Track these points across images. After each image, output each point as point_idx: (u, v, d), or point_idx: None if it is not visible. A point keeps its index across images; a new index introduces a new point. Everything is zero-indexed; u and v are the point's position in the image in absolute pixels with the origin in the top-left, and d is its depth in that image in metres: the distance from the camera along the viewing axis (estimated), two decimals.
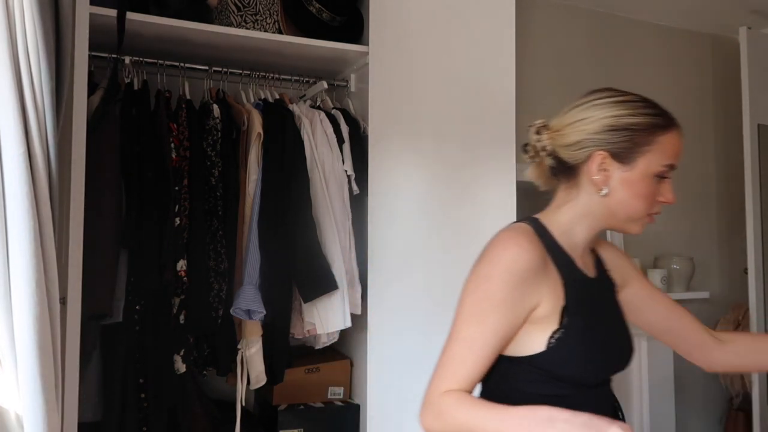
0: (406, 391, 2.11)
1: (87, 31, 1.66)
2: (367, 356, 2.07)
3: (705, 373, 3.36)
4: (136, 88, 1.97)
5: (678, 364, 3.26)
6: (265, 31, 2.14)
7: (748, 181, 3.05)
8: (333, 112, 2.17)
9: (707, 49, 3.58)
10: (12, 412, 1.12)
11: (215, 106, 2.01)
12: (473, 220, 2.24)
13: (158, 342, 1.84)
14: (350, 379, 2.23)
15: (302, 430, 2.07)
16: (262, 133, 2.00)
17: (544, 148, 1.16)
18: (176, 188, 1.87)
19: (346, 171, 2.10)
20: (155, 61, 2.03)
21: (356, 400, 2.18)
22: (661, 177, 1.09)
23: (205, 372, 2.00)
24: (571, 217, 1.15)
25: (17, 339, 1.07)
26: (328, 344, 2.11)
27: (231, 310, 1.91)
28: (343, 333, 2.10)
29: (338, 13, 2.19)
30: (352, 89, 2.30)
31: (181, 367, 1.88)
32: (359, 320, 2.10)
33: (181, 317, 1.88)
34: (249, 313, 1.90)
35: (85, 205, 1.65)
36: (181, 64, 2.06)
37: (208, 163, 1.95)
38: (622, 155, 1.09)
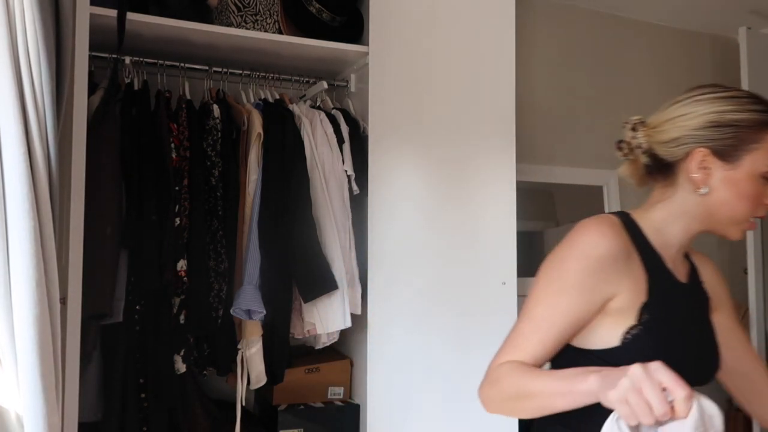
0: (406, 391, 2.11)
1: (87, 31, 1.66)
2: (367, 356, 2.08)
3: None
4: (136, 88, 1.97)
5: None
6: (265, 31, 2.14)
7: None
8: (333, 112, 2.17)
9: (707, 49, 3.58)
10: (12, 412, 1.12)
11: (215, 106, 2.01)
12: (473, 220, 2.24)
13: (158, 342, 1.84)
14: (350, 379, 2.23)
15: (302, 430, 2.07)
16: (262, 133, 2.00)
17: (639, 146, 1.12)
18: (176, 188, 1.87)
19: (346, 171, 2.10)
20: (155, 61, 2.03)
21: (356, 400, 2.18)
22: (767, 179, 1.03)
23: (205, 372, 2.00)
24: (665, 216, 1.11)
25: (17, 339, 1.07)
26: (328, 344, 2.11)
27: (231, 310, 1.91)
28: (343, 333, 2.10)
29: (338, 13, 2.19)
30: (352, 89, 2.30)
31: (181, 367, 1.88)
32: (359, 320, 2.10)
33: (181, 317, 1.88)
34: (249, 313, 1.90)
35: (85, 205, 1.65)
36: (181, 64, 2.06)
37: (208, 163, 1.95)
38: (726, 153, 1.04)
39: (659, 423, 0.81)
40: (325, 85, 2.25)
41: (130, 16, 1.84)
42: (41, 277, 1.09)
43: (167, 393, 1.85)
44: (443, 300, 2.19)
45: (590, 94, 3.22)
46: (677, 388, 0.78)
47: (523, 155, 2.53)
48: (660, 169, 1.12)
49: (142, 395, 1.82)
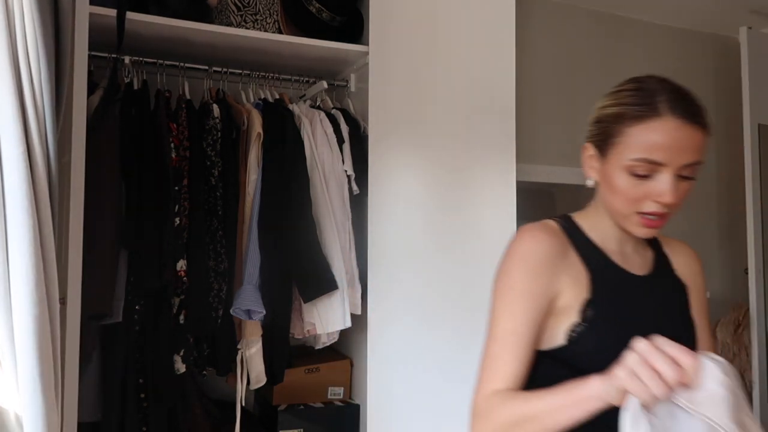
0: (406, 391, 2.11)
1: (87, 31, 1.66)
2: (367, 356, 2.07)
3: None
4: (135, 88, 1.97)
5: None
6: (265, 31, 2.14)
7: (748, 181, 3.05)
8: (333, 112, 2.17)
9: (707, 49, 3.58)
10: (12, 412, 1.12)
11: (215, 106, 2.01)
12: (473, 220, 2.24)
13: (158, 342, 1.84)
14: (350, 379, 2.23)
15: (302, 430, 2.07)
16: (262, 133, 2.00)
17: None
18: (176, 188, 1.87)
19: (346, 171, 2.10)
20: (155, 61, 2.03)
21: (356, 400, 2.18)
22: (633, 172, 1.00)
23: (205, 372, 2.00)
24: (595, 212, 1.14)
25: (17, 339, 1.07)
26: (328, 344, 2.11)
27: (231, 310, 1.91)
28: (343, 333, 2.10)
29: (338, 12, 2.19)
30: (352, 89, 2.30)
31: (181, 367, 1.88)
32: (359, 320, 2.10)
33: (181, 317, 1.88)
34: (249, 313, 1.90)
35: (85, 205, 1.65)
36: (181, 64, 2.06)
37: (208, 163, 1.95)
38: (600, 147, 1.06)
39: (673, 402, 0.80)
40: (325, 84, 2.25)
41: (130, 15, 1.84)
42: (41, 277, 1.09)
43: (167, 393, 1.85)
44: (443, 300, 2.19)
45: (590, 94, 3.21)
46: (682, 356, 0.79)
47: (523, 155, 2.53)
48: None
49: (142, 395, 1.82)
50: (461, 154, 2.24)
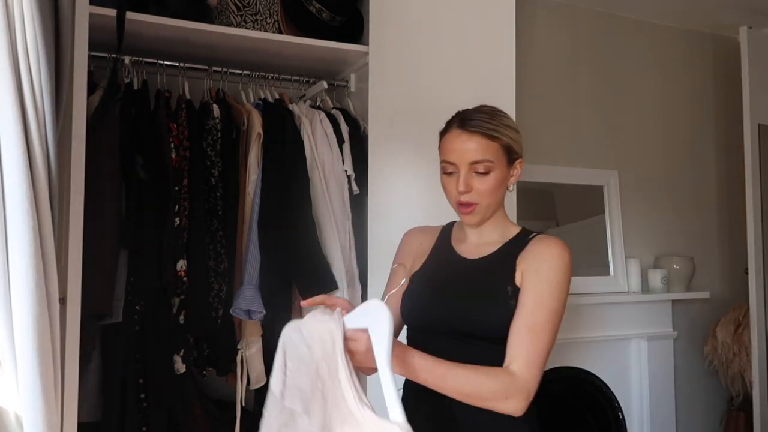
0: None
1: (87, 31, 1.65)
2: None
3: (705, 373, 3.38)
4: (135, 88, 1.97)
5: (678, 364, 3.26)
6: (265, 31, 2.14)
7: (748, 181, 3.05)
8: (333, 112, 2.17)
9: (707, 49, 3.58)
10: (11, 412, 1.12)
11: (215, 106, 2.01)
12: None
13: (158, 342, 1.84)
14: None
15: None
16: (262, 133, 2.00)
17: None
18: (176, 188, 1.87)
19: (346, 171, 2.10)
20: (155, 61, 2.03)
21: None
22: (444, 171, 1.32)
23: (205, 372, 2.00)
24: None
25: (17, 339, 1.07)
26: None
27: (231, 310, 1.91)
28: None
29: (338, 12, 2.19)
30: (352, 89, 2.30)
31: (181, 367, 1.88)
32: None
33: (181, 317, 1.88)
34: (249, 313, 1.90)
35: (85, 205, 1.65)
36: (181, 64, 2.06)
37: (208, 163, 1.95)
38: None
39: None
40: (325, 85, 2.25)
41: (130, 15, 1.84)
42: (40, 277, 1.09)
43: (167, 393, 1.85)
44: None
45: (590, 94, 3.22)
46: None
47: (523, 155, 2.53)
48: None
49: (142, 395, 1.82)
50: None
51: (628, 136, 3.31)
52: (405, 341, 1.34)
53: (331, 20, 2.19)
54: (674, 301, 3.23)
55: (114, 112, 1.85)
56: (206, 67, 2.12)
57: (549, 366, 2.99)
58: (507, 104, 2.32)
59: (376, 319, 1.01)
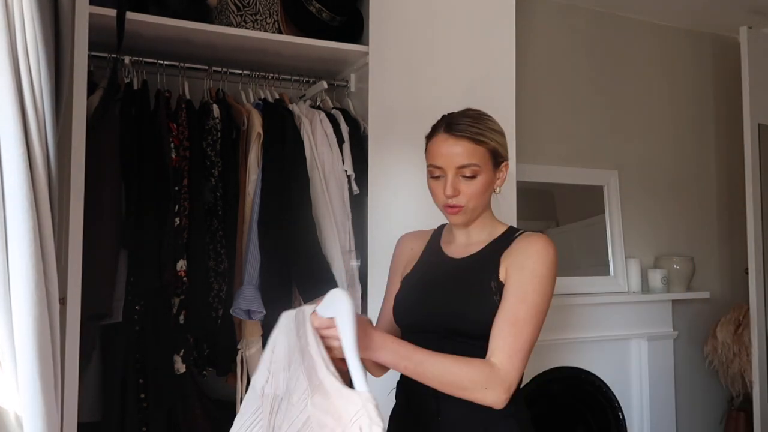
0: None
1: (87, 31, 1.65)
2: None
3: (705, 373, 3.38)
4: (135, 88, 1.97)
5: (678, 364, 3.26)
6: (265, 31, 2.14)
7: (748, 181, 3.06)
8: (333, 112, 2.17)
9: (707, 49, 3.58)
10: (11, 413, 1.12)
11: (215, 106, 2.01)
12: None
13: (158, 342, 1.84)
14: (350, 378, 2.22)
15: None
16: (262, 133, 2.00)
17: None
18: (176, 188, 1.87)
19: (346, 171, 2.10)
20: (155, 61, 2.03)
21: None
22: (431, 175, 1.33)
23: (205, 372, 2.00)
24: None
25: (17, 339, 1.07)
26: None
27: (231, 310, 1.91)
28: None
29: (338, 12, 2.19)
30: (352, 89, 2.30)
31: (181, 367, 1.88)
32: None
33: (181, 317, 1.88)
34: (249, 313, 1.90)
35: (85, 205, 1.65)
36: (181, 64, 2.06)
37: (208, 163, 1.95)
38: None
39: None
40: (325, 84, 2.25)
41: (130, 15, 1.84)
42: (40, 277, 1.09)
43: (167, 393, 1.85)
44: None
45: (590, 94, 3.22)
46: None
47: (523, 155, 2.53)
48: None
49: (142, 395, 1.82)
50: None
51: (628, 136, 3.31)
52: None
53: (331, 20, 2.19)
54: (674, 301, 3.24)
55: (114, 112, 1.85)
56: (206, 67, 2.12)
57: (549, 366, 3.01)
58: (507, 104, 2.32)
59: (337, 305, 1.04)
